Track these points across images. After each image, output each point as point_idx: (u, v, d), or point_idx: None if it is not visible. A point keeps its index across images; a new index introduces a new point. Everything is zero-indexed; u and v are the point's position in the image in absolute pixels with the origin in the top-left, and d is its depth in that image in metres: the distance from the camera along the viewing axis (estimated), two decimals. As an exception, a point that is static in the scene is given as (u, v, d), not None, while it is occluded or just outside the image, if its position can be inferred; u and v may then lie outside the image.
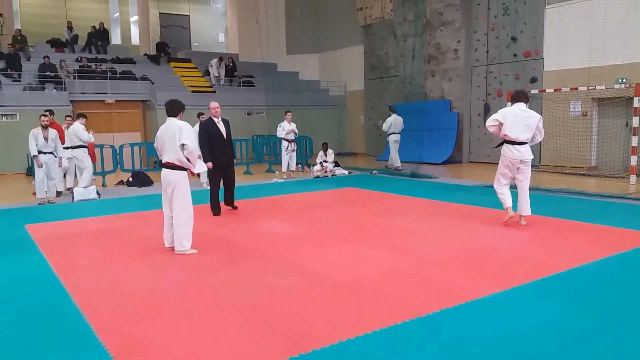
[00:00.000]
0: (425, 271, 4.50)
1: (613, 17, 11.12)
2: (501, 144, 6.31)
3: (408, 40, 15.97)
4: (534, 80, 13.05)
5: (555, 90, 11.70)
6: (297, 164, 12.94)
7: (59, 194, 9.51)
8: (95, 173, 10.65)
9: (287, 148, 12.00)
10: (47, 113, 9.13)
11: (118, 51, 19.45)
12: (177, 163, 5.26)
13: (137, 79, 16.87)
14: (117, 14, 24.18)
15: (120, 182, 11.38)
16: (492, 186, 6.61)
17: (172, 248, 5.33)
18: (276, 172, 12.73)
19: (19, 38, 17.07)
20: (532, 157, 6.22)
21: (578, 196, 8.42)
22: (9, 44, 16.34)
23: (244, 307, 3.70)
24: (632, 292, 3.90)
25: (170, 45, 20.42)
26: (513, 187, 6.38)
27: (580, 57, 11.81)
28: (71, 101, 15.03)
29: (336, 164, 12.90)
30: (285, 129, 11.94)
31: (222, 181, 7.63)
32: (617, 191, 8.68)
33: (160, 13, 23.87)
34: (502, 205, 6.37)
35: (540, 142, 7.39)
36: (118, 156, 11.69)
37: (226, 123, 7.54)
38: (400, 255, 5.04)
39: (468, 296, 3.78)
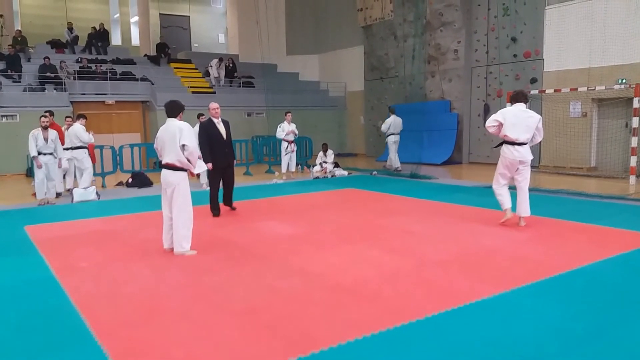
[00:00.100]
0: (426, 272, 4.49)
1: (613, 17, 11.10)
2: (501, 144, 6.31)
3: (408, 40, 15.97)
4: (534, 80, 13.04)
5: (555, 90, 11.70)
6: (297, 164, 12.93)
7: (58, 195, 9.50)
8: (95, 174, 10.63)
9: (287, 149, 12.01)
10: (47, 114, 9.13)
11: (118, 52, 19.44)
12: (178, 164, 5.25)
13: (137, 80, 16.87)
14: (117, 14, 24.17)
15: (120, 183, 11.37)
16: (491, 187, 6.61)
17: (172, 249, 5.32)
18: (276, 172, 12.72)
19: (19, 39, 17.04)
20: (532, 157, 6.22)
21: (578, 197, 8.41)
22: (9, 45, 16.32)
23: (244, 309, 3.70)
24: (632, 293, 3.89)
25: (171, 46, 20.41)
26: (512, 188, 6.37)
27: (580, 58, 11.80)
28: (71, 102, 15.01)
29: (336, 165, 12.88)
30: (285, 129, 11.94)
31: (221, 182, 7.63)
32: (617, 192, 8.68)
33: (160, 14, 23.86)
34: (501, 206, 6.38)
35: (540, 143, 7.38)
36: (118, 157, 11.67)
37: (226, 124, 7.54)
38: (400, 256, 5.03)
39: (468, 298, 3.78)
